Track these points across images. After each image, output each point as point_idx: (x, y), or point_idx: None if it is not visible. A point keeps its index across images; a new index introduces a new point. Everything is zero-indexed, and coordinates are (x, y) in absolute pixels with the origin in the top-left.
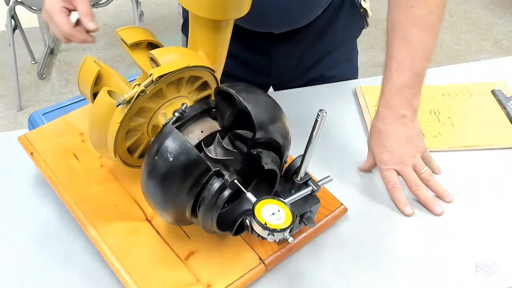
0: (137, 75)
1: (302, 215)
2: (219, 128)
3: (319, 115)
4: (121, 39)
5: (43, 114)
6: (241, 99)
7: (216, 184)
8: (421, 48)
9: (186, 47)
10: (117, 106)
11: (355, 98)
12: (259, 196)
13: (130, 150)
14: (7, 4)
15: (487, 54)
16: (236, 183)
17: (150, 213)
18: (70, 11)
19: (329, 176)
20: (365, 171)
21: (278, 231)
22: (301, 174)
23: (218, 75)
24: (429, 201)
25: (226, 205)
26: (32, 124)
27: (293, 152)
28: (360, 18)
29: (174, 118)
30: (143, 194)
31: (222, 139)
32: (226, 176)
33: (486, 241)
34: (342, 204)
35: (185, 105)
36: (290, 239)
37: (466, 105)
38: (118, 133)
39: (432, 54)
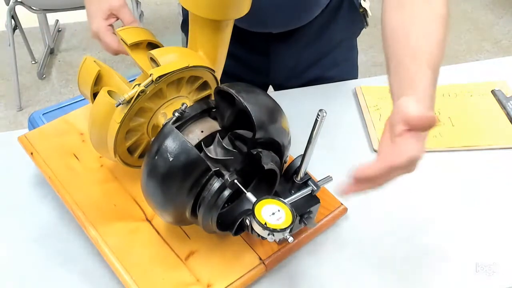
0: (137, 75)
1: (302, 215)
2: (219, 128)
3: (319, 115)
4: (121, 39)
5: (43, 114)
6: (241, 99)
7: (216, 184)
8: (441, 40)
9: (186, 46)
10: (117, 106)
11: (355, 98)
12: (259, 196)
13: (130, 150)
14: (7, 4)
15: (487, 54)
16: (236, 183)
17: (150, 213)
18: (116, 19)
19: (329, 176)
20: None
21: (278, 231)
22: (301, 174)
23: (218, 75)
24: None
25: (226, 205)
26: (32, 124)
27: (293, 152)
28: (359, 18)
29: (174, 118)
30: (143, 194)
31: (222, 139)
32: (226, 176)
33: (486, 241)
34: (342, 204)
35: (185, 105)
36: (290, 239)
37: (466, 105)
38: (118, 133)
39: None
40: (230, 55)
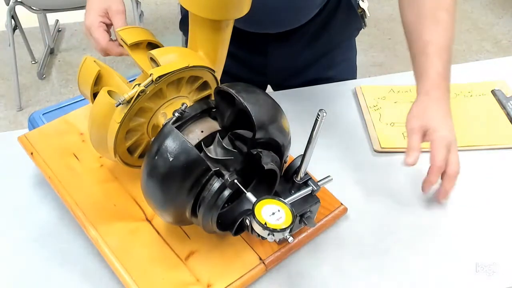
0: (137, 75)
1: (302, 215)
2: (219, 128)
3: (319, 115)
4: (121, 39)
5: (43, 114)
6: (241, 99)
7: (216, 184)
8: (450, 30)
9: (186, 45)
10: (117, 106)
11: (355, 98)
12: (259, 196)
13: (130, 150)
14: (7, 4)
15: (487, 54)
16: (236, 183)
17: (150, 213)
18: (108, 26)
19: (329, 176)
20: (415, 162)
21: (278, 231)
22: (301, 174)
23: (218, 75)
24: (450, 190)
25: (226, 205)
26: (32, 124)
27: (293, 152)
28: (357, 19)
29: (174, 118)
30: (143, 194)
31: (222, 139)
32: (226, 176)
33: (486, 241)
34: (342, 204)
35: (185, 105)
36: (290, 239)
37: (466, 105)
38: (118, 133)
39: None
40: (228, 54)
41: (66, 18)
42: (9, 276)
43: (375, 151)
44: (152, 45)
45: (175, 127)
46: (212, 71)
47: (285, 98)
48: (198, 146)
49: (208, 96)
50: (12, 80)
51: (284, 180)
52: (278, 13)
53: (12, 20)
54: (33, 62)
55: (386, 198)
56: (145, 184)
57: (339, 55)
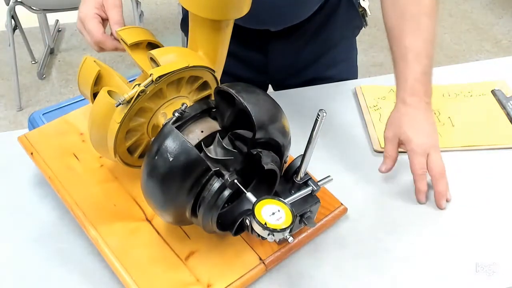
0: (137, 75)
1: (302, 215)
2: (219, 128)
3: (319, 115)
4: (121, 39)
5: (43, 114)
6: (241, 99)
7: (216, 184)
8: (431, 35)
9: (186, 45)
10: (117, 106)
11: (355, 98)
12: (259, 196)
13: (130, 150)
14: (7, 4)
15: (487, 54)
16: (236, 183)
17: (150, 213)
18: (103, 20)
19: (329, 176)
20: (389, 170)
21: (278, 231)
22: (301, 174)
23: (218, 75)
24: (444, 193)
25: (226, 205)
26: (32, 124)
27: (293, 152)
28: (357, 18)
29: (174, 118)
30: (143, 194)
31: (222, 139)
32: (226, 176)
33: (486, 241)
34: (342, 204)
35: (185, 105)
36: (290, 239)
37: (466, 105)
38: (118, 133)
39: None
40: (228, 53)
41: (66, 18)
42: (9, 276)
43: (375, 151)
44: (152, 45)
45: (175, 127)
46: (212, 71)
47: (285, 98)
48: (198, 146)
49: (208, 96)
50: (12, 80)
51: (284, 180)
52: (279, 9)
53: (12, 20)
54: (33, 62)
55: (386, 198)
56: (145, 184)
57: (339, 54)
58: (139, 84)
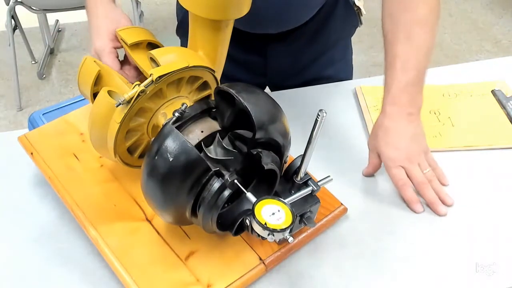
0: None
1: (302, 215)
2: (219, 128)
3: (319, 115)
4: (121, 39)
5: (43, 114)
6: (241, 99)
7: (216, 184)
8: (424, 47)
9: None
10: (117, 106)
11: (355, 98)
12: (259, 196)
13: (130, 150)
14: (7, 4)
15: (487, 54)
16: (236, 183)
17: (150, 213)
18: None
19: (329, 176)
20: (369, 175)
21: (278, 231)
22: (301, 174)
23: (218, 75)
24: (434, 200)
25: (226, 205)
26: (32, 124)
27: (293, 152)
28: (354, 17)
29: (174, 118)
30: (143, 194)
31: (222, 139)
32: (226, 176)
33: (486, 241)
34: (342, 204)
35: (185, 105)
36: (290, 239)
37: (466, 105)
38: (118, 133)
39: (432, 51)
40: (228, 57)
41: (66, 18)
42: (9, 276)
43: None
44: (152, 45)
45: (175, 127)
46: (212, 71)
47: (285, 98)
48: (198, 146)
49: (208, 96)
50: (12, 80)
51: (284, 180)
52: (279, 13)
53: (12, 20)
54: (33, 62)
55: (386, 198)
56: (145, 184)
57: (336, 54)
58: (139, 84)
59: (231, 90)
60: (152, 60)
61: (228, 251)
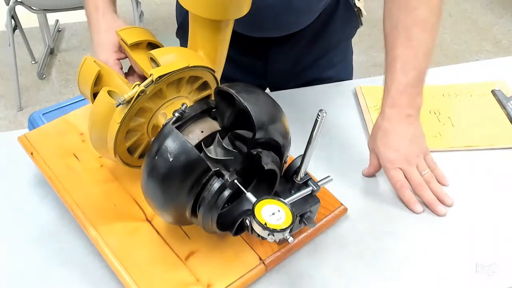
0: None
1: (302, 215)
2: (219, 128)
3: (319, 115)
4: (121, 39)
5: (43, 114)
6: (241, 99)
7: (216, 184)
8: (424, 48)
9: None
10: (117, 106)
11: (355, 98)
12: (259, 196)
13: (130, 150)
14: (7, 4)
15: (487, 54)
16: (236, 183)
17: (150, 213)
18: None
19: (329, 176)
20: (370, 175)
21: (278, 231)
22: (301, 174)
23: (218, 75)
24: (433, 201)
25: (226, 205)
26: (32, 124)
27: (293, 152)
28: (354, 18)
29: (174, 118)
30: (143, 194)
31: (222, 139)
32: (226, 176)
33: (486, 241)
34: (342, 204)
35: (185, 105)
36: (290, 239)
37: (466, 105)
38: (118, 133)
39: (433, 53)
40: (228, 59)
41: (66, 18)
42: (9, 276)
43: None
44: (152, 45)
45: (175, 127)
46: (212, 71)
47: (285, 98)
48: (198, 146)
49: (208, 96)
50: (12, 80)
51: (284, 180)
52: (280, 17)
53: (12, 20)
54: (33, 62)
55: (386, 198)
56: (145, 184)
57: (337, 55)
58: (139, 84)
59: (231, 90)
60: (152, 60)
61: (228, 251)
